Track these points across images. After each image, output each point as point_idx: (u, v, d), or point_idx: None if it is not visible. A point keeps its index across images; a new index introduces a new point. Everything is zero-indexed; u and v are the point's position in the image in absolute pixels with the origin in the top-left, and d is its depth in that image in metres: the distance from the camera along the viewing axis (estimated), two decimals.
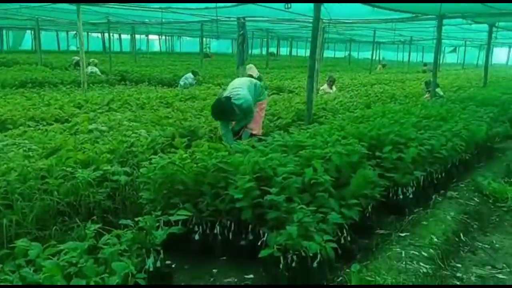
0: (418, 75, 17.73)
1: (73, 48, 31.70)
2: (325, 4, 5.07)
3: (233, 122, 4.87)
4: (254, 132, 4.95)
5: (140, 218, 2.64)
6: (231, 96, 4.77)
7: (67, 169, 3.36)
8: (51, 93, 8.38)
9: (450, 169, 5.11)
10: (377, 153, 4.30)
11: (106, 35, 27.73)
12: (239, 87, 4.88)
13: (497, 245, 3.64)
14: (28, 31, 30.02)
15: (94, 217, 3.22)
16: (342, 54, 39.44)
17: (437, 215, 3.92)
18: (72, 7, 9.18)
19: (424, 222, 3.72)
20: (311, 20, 10.67)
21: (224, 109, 4.66)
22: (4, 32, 27.52)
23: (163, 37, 37.38)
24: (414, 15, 8.30)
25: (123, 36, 34.57)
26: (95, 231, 2.49)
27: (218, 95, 8.11)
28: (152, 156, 3.63)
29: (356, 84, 12.43)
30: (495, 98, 7.93)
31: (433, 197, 4.51)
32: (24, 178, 3.19)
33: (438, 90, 8.73)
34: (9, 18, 15.13)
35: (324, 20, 10.18)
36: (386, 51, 37.66)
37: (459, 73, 20.29)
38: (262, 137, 4.52)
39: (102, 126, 4.49)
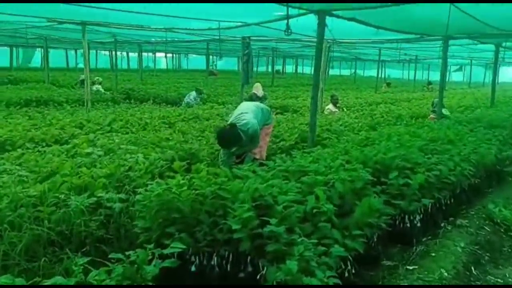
0: (425, 94, 17.62)
1: (81, 65, 32.03)
2: (329, 26, 5.00)
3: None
4: (256, 157, 4.83)
5: (131, 252, 2.50)
6: (237, 122, 4.68)
7: (61, 196, 3.25)
8: (55, 112, 8.36)
9: (459, 195, 4.94)
10: (383, 179, 4.16)
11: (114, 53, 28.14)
12: (245, 112, 4.80)
13: (510, 279, 3.45)
14: (38, 49, 30.47)
15: (87, 247, 3.09)
16: (348, 72, 39.55)
17: (447, 245, 3.75)
18: (79, 26, 9.28)
19: (433, 254, 3.55)
20: (315, 40, 10.70)
21: (230, 137, 4.55)
22: (13, 49, 27.91)
23: (170, 54, 37.75)
24: (419, 35, 8.24)
25: (131, 54, 34.95)
26: (84, 265, 2.36)
27: (222, 114, 8.05)
28: (149, 182, 3.50)
29: (361, 104, 12.32)
30: (503, 120, 7.77)
31: (442, 225, 4.33)
32: (15, 205, 3.08)
33: (444, 110, 8.59)
34: (17, 37, 15.34)
35: (328, 40, 10.17)
36: (392, 69, 37.69)
37: (465, 92, 20.14)
38: (265, 162, 4.39)
39: (98, 150, 4.39)
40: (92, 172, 3.92)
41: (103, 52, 33.08)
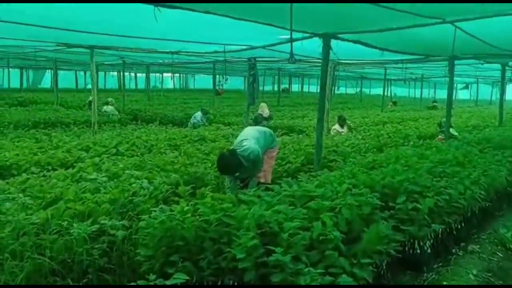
0: (431, 113, 17.52)
1: (90, 86, 32.52)
2: (334, 47, 5.02)
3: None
4: (261, 181, 4.78)
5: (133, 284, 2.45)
6: (237, 148, 4.66)
7: (63, 223, 3.21)
8: (62, 134, 8.41)
9: (469, 219, 4.83)
10: (391, 203, 4.08)
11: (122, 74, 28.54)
12: (246, 138, 4.79)
13: None
14: (48, 70, 30.99)
15: (89, 276, 3.03)
16: (354, 90, 39.63)
17: (459, 273, 3.64)
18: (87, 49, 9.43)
19: (445, 283, 3.43)
20: (320, 62, 10.76)
21: (229, 164, 4.52)
22: (24, 71, 28.45)
23: (178, 74, 38.20)
24: (424, 56, 8.24)
25: (139, 75, 35.44)
26: None
27: (228, 136, 8.04)
28: (153, 208, 3.46)
29: (367, 123, 12.26)
30: None
31: (453, 251, 4.22)
32: (17, 233, 3.05)
33: (452, 130, 8.50)
34: (27, 59, 15.62)
35: (333, 61, 10.21)
36: (398, 87, 37.70)
37: (473, 110, 20.01)
38: (270, 185, 4.34)
39: (102, 175, 4.37)
40: (96, 198, 3.90)
41: (111, 72, 33.58)
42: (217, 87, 21.18)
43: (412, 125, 11.44)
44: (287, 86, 35.66)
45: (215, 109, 15.32)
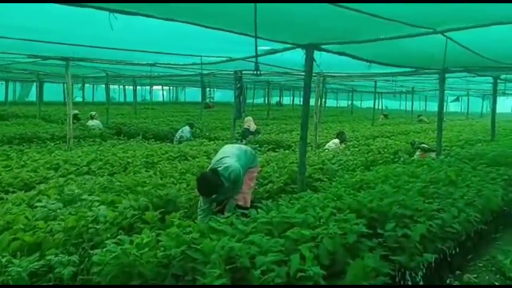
0: (423, 126, 17.30)
1: (78, 99, 32.04)
2: (320, 59, 4.71)
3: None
4: (240, 203, 4.36)
5: None
6: (218, 166, 4.26)
7: (2, 259, 2.78)
8: (36, 150, 7.95)
9: (464, 243, 4.48)
10: (379, 230, 3.71)
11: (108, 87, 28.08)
12: (227, 156, 4.39)
13: None
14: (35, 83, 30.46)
15: None
16: (345, 103, 39.54)
17: None
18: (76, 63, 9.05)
19: None
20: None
21: (210, 184, 4.09)
22: (10, 84, 27.87)
23: (167, 87, 37.89)
24: (415, 69, 7.98)
25: (128, 87, 35.03)
26: None
27: (210, 152, 7.64)
28: (110, 240, 3.05)
29: (357, 137, 11.95)
30: (507, 156, 7.35)
31: (448, 281, 3.84)
32: None
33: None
34: (10, 72, 15.18)
35: (321, 73, 9.94)
36: (389, 100, 37.69)
37: (464, 123, 19.85)
38: (247, 210, 3.94)
39: (58, 200, 3.94)
40: (50, 226, 3.48)
41: (102, 85, 33.11)
42: (207, 100, 20.88)
43: (403, 139, 11.13)
44: (280, 99, 35.54)
45: (202, 123, 14.95)
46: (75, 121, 14.53)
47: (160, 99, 38.89)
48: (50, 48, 7.31)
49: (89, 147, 8.47)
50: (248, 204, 4.44)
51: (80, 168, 6.08)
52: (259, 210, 3.78)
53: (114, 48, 6.50)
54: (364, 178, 5.09)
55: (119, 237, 3.18)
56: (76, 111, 15.71)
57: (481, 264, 4.27)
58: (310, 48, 4.60)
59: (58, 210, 3.65)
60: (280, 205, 4.00)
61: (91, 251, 3.14)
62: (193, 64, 6.80)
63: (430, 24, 3.81)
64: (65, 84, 31.90)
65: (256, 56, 3.36)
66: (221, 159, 4.32)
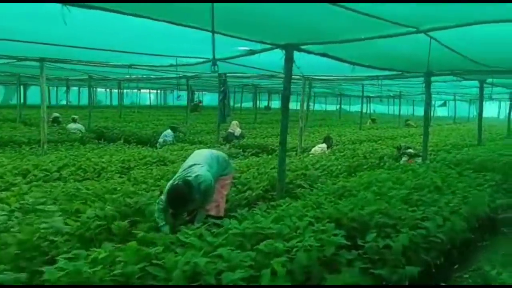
0: (410, 131, 17.23)
1: (63, 102, 31.47)
2: (297, 62, 4.49)
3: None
4: (212, 213, 4.08)
5: None
6: (187, 175, 3.93)
7: None
8: (8, 154, 7.60)
9: (449, 252, 4.28)
10: (360, 241, 3.49)
11: (93, 90, 27.64)
12: (197, 164, 4.07)
13: None
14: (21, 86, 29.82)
15: None
16: (334, 107, 39.52)
17: None
18: (53, 64, 8.72)
19: None
20: (295, 76, 10.27)
21: (184, 197, 3.70)
22: None
23: (155, 90, 37.47)
24: (400, 72, 7.84)
25: (115, 90, 34.54)
26: None
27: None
28: (59, 258, 2.77)
29: (344, 142, 11.77)
30: (494, 161, 7.23)
31: None
32: None
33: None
34: None
35: (306, 76, 9.75)
36: (377, 105, 37.78)
37: (451, 128, 19.88)
38: (220, 220, 3.68)
39: (3, 213, 3.62)
40: (4, 239, 3.19)
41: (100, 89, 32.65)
42: (195, 101, 20.54)
43: (390, 144, 10.99)
44: (269, 103, 35.39)
45: (187, 127, 14.65)
46: (55, 124, 14.17)
47: (148, 102, 38.41)
48: (25, 48, 7.01)
49: (65, 152, 8.12)
50: (222, 213, 4.17)
51: (50, 174, 5.76)
52: (232, 220, 3.53)
53: (89, 48, 6.23)
54: (346, 185, 4.87)
55: (74, 251, 2.90)
56: (56, 114, 15.34)
57: (467, 275, 4.07)
58: (289, 49, 4.38)
59: (15, 220, 3.35)
60: (255, 214, 3.75)
61: (47, 267, 2.86)
62: (170, 65, 6.55)
63: (413, 23, 3.62)
64: (50, 87, 31.55)
65: (213, 51, 3.13)
66: (190, 166, 4.03)
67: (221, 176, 4.28)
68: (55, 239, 3.29)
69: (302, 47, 4.50)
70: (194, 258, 2.70)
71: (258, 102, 24.98)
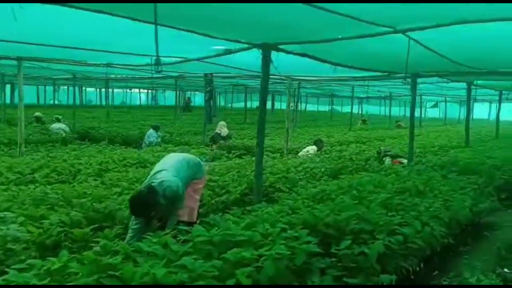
0: (400, 132, 17.18)
1: (54, 102, 31.12)
2: (284, 63, 4.37)
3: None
4: (184, 219, 3.92)
5: None
6: (152, 182, 3.77)
7: None
8: None
9: (429, 259, 4.18)
10: (335, 248, 3.35)
11: (81, 89, 27.32)
12: (164, 169, 3.91)
13: None
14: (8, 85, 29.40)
15: None
16: (326, 108, 39.50)
17: None
18: (37, 63, 8.51)
19: None
20: (279, 76, 10.13)
21: (145, 203, 3.55)
22: None
23: (146, 90, 37.20)
24: (387, 73, 7.74)
25: (111, 90, 34.17)
26: None
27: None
28: (10, 269, 2.60)
29: (332, 143, 11.66)
30: (479, 163, 7.16)
31: None
32: None
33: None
34: None
35: (291, 77, 9.64)
36: (370, 105, 37.85)
37: (440, 129, 19.88)
38: (190, 227, 3.53)
39: None
40: None
41: (77, 87, 32.19)
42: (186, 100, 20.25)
43: (378, 145, 10.89)
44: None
45: (175, 128, 14.47)
46: (38, 124, 13.91)
47: (143, 102, 38.18)
48: (3, 47, 6.83)
49: (45, 153, 7.91)
50: (194, 219, 4.02)
51: (23, 177, 5.57)
52: (201, 226, 3.39)
53: (66, 47, 6.04)
54: (326, 189, 4.75)
55: (28, 261, 2.74)
56: (38, 114, 15.07)
57: (446, 282, 3.97)
58: (266, 48, 4.24)
59: None
60: (226, 220, 3.61)
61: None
62: (147, 64, 6.40)
63: (389, 23, 3.51)
64: (39, 86, 31.15)
65: (157, 45, 2.99)
66: (157, 172, 3.87)
67: (192, 180, 4.13)
68: (13, 247, 3.12)
69: (280, 46, 4.37)
70: (154, 269, 2.55)
71: (249, 102, 24.83)
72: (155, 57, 3.70)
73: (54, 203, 4.14)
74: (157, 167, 4.04)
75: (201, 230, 3.22)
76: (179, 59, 6.16)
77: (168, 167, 3.92)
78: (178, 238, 3.17)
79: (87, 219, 3.80)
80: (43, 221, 3.59)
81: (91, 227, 3.62)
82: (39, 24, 5.26)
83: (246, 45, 4.43)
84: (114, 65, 7.64)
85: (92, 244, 3.30)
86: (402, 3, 2.97)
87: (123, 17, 3.40)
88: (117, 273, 2.55)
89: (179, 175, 3.84)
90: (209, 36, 4.03)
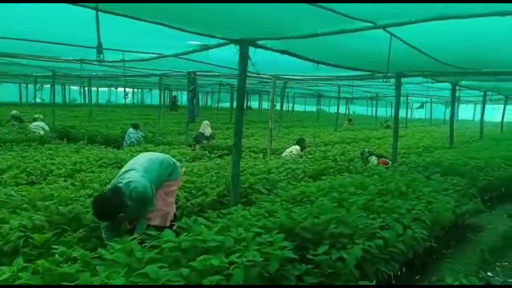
0: (386, 132, 17.18)
1: (37, 100, 30.40)
2: (253, 60, 4.19)
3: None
4: (155, 223, 3.71)
5: None
6: (119, 182, 3.54)
7: None
8: None
9: (411, 263, 4.06)
10: (312, 253, 3.20)
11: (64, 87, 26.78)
12: (132, 169, 3.69)
13: None
14: None
15: None
16: (313, 108, 39.48)
17: None
18: (17, 60, 8.16)
19: None
20: (266, 75, 9.97)
21: (109, 206, 3.31)
22: None
23: (131, 89, 36.70)
24: (370, 73, 7.63)
25: (93, 88, 33.63)
26: None
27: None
28: None
29: (317, 144, 11.54)
30: (463, 164, 7.10)
31: None
32: None
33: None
34: None
35: (275, 76, 9.49)
36: (357, 106, 37.97)
37: (426, 130, 19.96)
38: (160, 231, 3.33)
39: None
40: None
41: (59, 85, 31.59)
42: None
43: (363, 146, 10.81)
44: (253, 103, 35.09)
45: (158, 127, 14.19)
46: (17, 122, 13.48)
47: (128, 102, 37.62)
48: None
49: (18, 152, 7.59)
50: (168, 223, 3.81)
51: None
52: (170, 231, 3.19)
53: (36, 41, 5.77)
54: (306, 190, 4.59)
55: None
56: (15, 112, 14.61)
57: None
58: (243, 44, 4.07)
59: None
60: (200, 224, 3.42)
61: None
62: (121, 61, 6.16)
63: (369, 17, 3.36)
64: (21, 85, 30.43)
65: (98, 35, 2.80)
66: (124, 172, 3.66)
67: (165, 182, 3.92)
68: None
69: (259, 42, 4.19)
70: (112, 278, 2.36)
71: (235, 102, 24.59)
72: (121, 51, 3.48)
73: (17, 206, 3.89)
74: (125, 166, 3.82)
75: (169, 235, 3.03)
76: (154, 55, 5.94)
77: (138, 167, 3.70)
78: (144, 244, 2.97)
79: (50, 223, 3.57)
80: (2, 225, 3.35)
81: (53, 231, 3.39)
82: (7, 19, 5.01)
83: (222, 41, 4.25)
84: (89, 62, 7.35)
85: (54, 250, 3.09)
86: None
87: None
88: (73, 284, 2.35)
89: (149, 176, 3.63)
90: (182, 30, 3.83)
